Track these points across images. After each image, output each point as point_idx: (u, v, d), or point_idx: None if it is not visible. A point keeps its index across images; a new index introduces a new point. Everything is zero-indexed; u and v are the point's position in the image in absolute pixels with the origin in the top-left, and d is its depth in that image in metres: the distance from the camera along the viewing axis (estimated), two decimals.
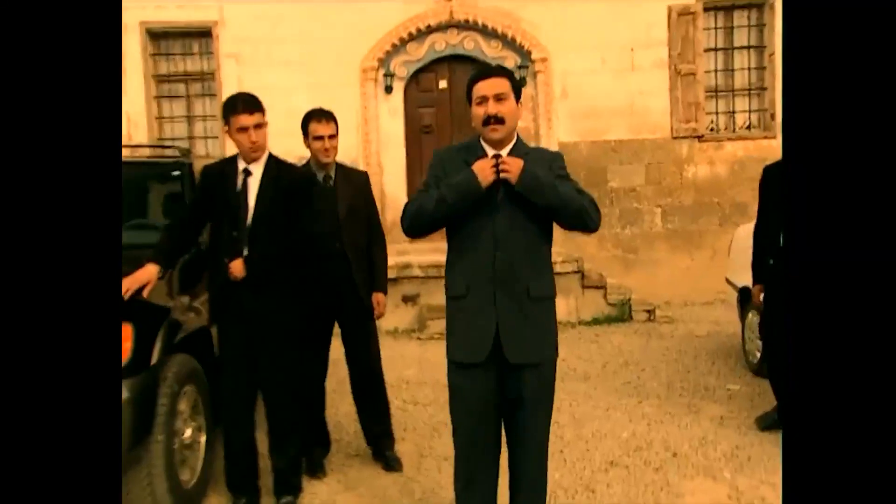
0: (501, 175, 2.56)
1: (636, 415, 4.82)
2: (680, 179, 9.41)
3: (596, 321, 8.13)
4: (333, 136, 3.99)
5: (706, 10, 9.37)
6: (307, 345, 3.97)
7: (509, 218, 2.62)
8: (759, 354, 5.66)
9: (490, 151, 2.70)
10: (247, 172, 3.39)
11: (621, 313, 8.18)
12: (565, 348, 7.01)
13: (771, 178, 4.27)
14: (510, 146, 2.72)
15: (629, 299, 8.23)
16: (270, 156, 3.47)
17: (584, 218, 2.62)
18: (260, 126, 3.35)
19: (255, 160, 3.39)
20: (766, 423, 4.33)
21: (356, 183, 4.14)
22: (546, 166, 2.69)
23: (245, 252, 3.34)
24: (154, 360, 3.30)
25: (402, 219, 2.73)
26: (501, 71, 2.74)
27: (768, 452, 4.06)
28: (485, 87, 2.66)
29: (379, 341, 4.24)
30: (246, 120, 3.30)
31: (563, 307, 8.26)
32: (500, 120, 2.64)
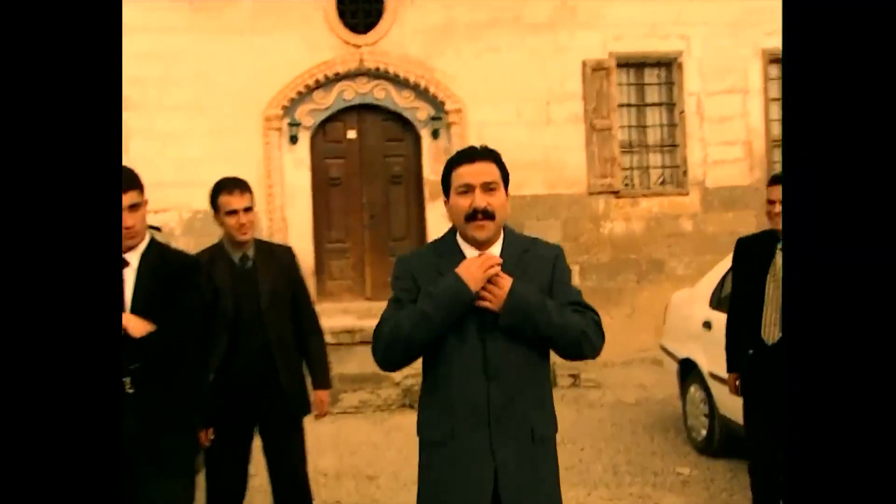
0: (480, 303, 2.05)
1: None
2: (597, 235, 9.21)
3: None
4: (249, 209, 3.41)
5: (619, 66, 9.30)
6: (217, 464, 3.30)
7: (505, 338, 2.10)
8: (704, 432, 5.34)
9: (469, 252, 2.18)
10: (123, 263, 2.67)
11: None
12: None
13: (746, 251, 3.88)
14: (498, 243, 2.21)
15: (554, 364, 7.83)
16: (152, 241, 2.78)
17: (582, 347, 2.13)
18: (135, 207, 2.66)
19: (130, 248, 2.68)
20: None
21: (280, 262, 3.54)
22: (547, 269, 2.20)
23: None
24: None
25: (375, 349, 2.17)
26: (489, 154, 2.23)
27: None
28: (470, 174, 2.15)
29: (305, 448, 3.59)
30: (128, 199, 2.62)
31: None
32: (489, 215, 2.13)
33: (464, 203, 2.14)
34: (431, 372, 2.19)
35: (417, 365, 6.70)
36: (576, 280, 9.14)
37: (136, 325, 2.56)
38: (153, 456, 2.64)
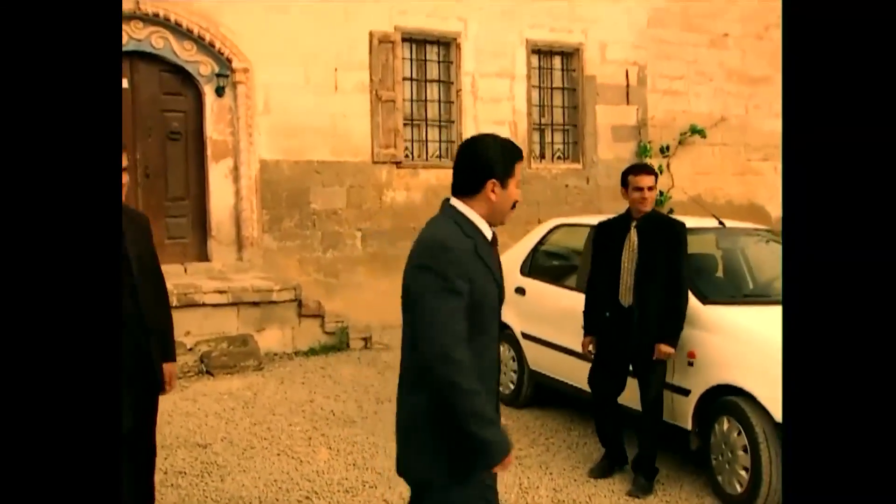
0: None
1: None
2: (380, 204, 9.52)
3: (313, 351, 7.81)
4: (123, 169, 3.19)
5: (404, 40, 9.62)
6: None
7: None
8: (512, 386, 5.95)
9: (486, 231, 2.35)
10: None
11: (339, 342, 7.97)
12: (301, 385, 6.62)
13: (605, 231, 4.51)
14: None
15: (347, 327, 8.06)
16: None
17: None
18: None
19: None
20: (600, 474, 4.49)
21: (142, 228, 3.36)
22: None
23: None
24: None
25: (434, 345, 2.12)
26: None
27: (586, 492, 4.28)
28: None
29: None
30: None
31: (279, 338, 7.79)
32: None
33: (515, 194, 2.34)
34: None
35: (210, 331, 6.56)
36: (357, 246, 9.42)
37: None
38: None
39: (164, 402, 5.96)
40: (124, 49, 8.34)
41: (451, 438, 2.17)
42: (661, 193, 10.49)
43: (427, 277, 2.18)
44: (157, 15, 8.37)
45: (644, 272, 4.20)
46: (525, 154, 10.28)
